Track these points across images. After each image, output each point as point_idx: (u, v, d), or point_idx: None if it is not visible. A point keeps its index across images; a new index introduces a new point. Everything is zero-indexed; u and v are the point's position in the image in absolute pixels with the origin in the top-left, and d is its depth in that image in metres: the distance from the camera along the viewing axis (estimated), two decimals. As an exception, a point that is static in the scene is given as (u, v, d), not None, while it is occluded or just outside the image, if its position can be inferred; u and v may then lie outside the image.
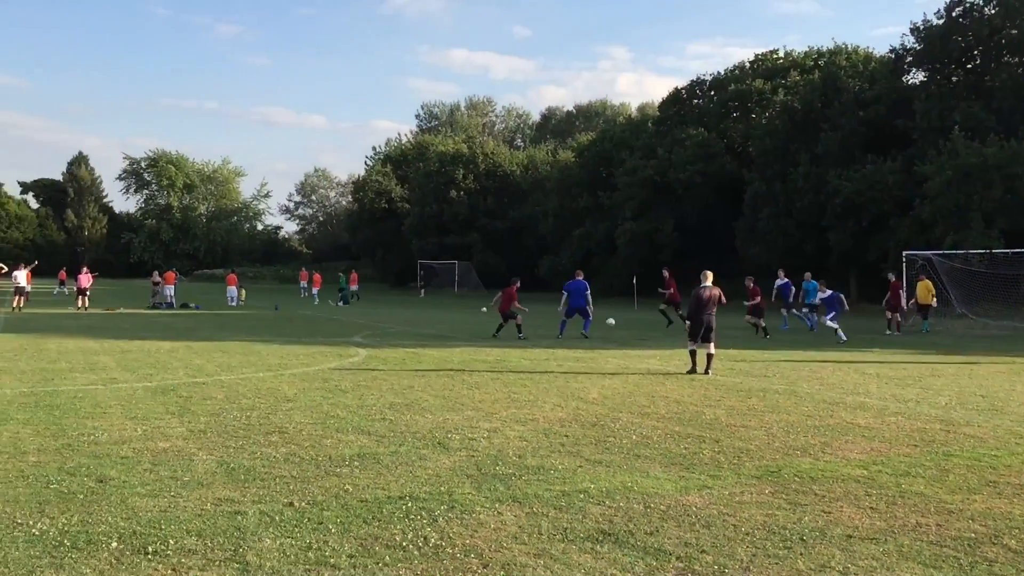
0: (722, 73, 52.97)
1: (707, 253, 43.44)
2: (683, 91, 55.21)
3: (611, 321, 22.29)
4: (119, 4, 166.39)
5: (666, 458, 7.68)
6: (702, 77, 54.39)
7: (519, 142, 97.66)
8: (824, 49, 49.69)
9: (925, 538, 5.48)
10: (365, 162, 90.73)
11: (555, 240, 55.19)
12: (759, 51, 53.68)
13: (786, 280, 27.08)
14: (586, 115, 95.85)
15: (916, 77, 41.79)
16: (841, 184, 37.50)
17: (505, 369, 14.56)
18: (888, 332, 24.72)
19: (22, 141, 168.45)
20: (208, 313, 32.80)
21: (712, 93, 53.41)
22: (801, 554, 5.15)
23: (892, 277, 26.08)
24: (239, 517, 5.65)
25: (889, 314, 25.46)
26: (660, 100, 58.81)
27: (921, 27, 39.29)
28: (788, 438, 8.70)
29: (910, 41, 40.44)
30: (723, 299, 14.77)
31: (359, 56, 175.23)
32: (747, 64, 52.74)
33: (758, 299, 23.92)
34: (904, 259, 30.11)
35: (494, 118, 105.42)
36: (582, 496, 6.33)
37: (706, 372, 14.00)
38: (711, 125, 50.65)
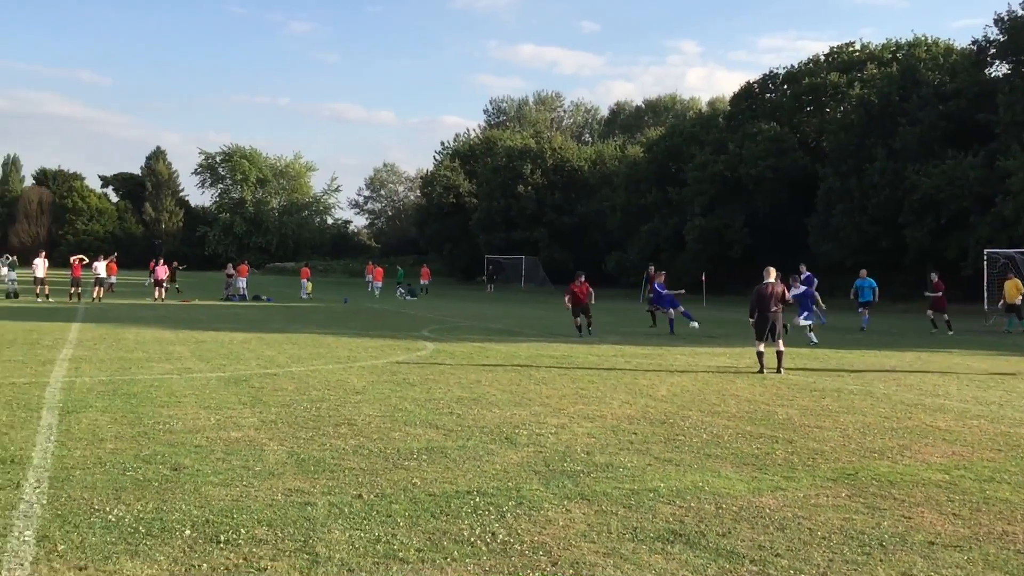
0: (796, 66, 51.91)
1: (778, 250, 42.69)
2: (755, 85, 54.27)
3: (695, 325, 21.39)
4: (198, 3, 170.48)
5: (738, 458, 7.53)
6: (775, 71, 53.39)
7: (587, 137, 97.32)
8: (903, 41, 48.36)
9: (1012, 547, 5.25)
10: (433, 157, 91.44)
11: (622, 236, 54.79)
12: (834, 44, 52.50)
13: (808, 274, 26.63)
14: (655, 110, 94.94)
15: (999, 69, 40.48)
16: (919, 180, 36.49)
17: (572, 365, 14.47)
18: (934, 331, 24.00)
19: (104, 136, 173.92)
20: (279, 305, 33.35)
21: (785, 87, 52.38)
22: (881, 560, 4.98)
23: (935, 277, 25.33)
24: (309, 508, 5.69)
25: (932, 314, 24.81)
26: (731, 94, 57.90)
27: (1006, 18, 37.99)
28: (864, 440, 8.45)
29: (993, 32, 39.17)
30: (788, 296, 14.40)
31: (428, 52, 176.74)
32: (822, 57, 51.60)
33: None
34: (985, 257, 29.16)
35: (562, 113, 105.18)
36: (652, 495, 6.22)
37: (778, 371, 13.69)
38: (784, 119, 49.69)
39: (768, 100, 53.25)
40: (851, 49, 50.88)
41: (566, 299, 21.13)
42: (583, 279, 20.96)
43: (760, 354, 13.99)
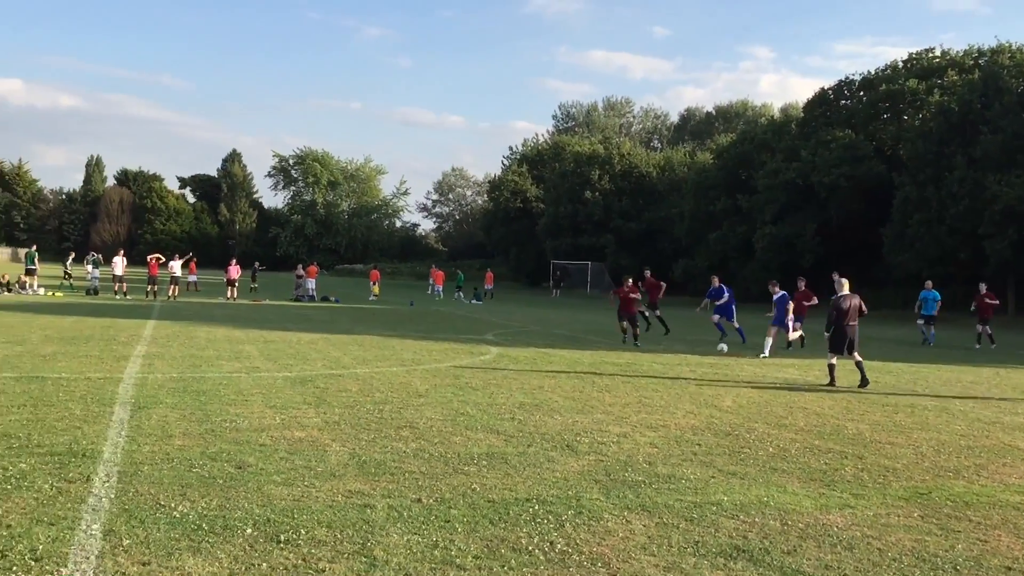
0: (872, 73, 50.77)
1: (851, 259, 41.82)
2: (830, 91, 53.24)
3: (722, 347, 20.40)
4: (275, 8, 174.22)
5: (805, 473, 7.34)
6: (850, 77, 52.31)
7: (656, 143, 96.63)
8: (985, 48, 46.92)
9: (1096, 577, 5.01)
10: (502, 162, 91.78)
11: (691, 243, 54.24)
12: (913, 50, 51.19)
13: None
14: (726, 116, 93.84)
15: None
16: (1001, 190, 35.35)
17: (636, 373, 14.33)
18: (977, 346, 23.12)
19: (183, 139, 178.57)
20: (346, 307, 33.76)
21: (861, 93, 51.28)
22: (954, 585, 4.78)
23: (983, 288, 24.48)
24: (368, 510, 5.70)
25: (980, 328, 23.95)
26: (804, 101, 56.92)
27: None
28: (939, 458, 8.17)
29: (1081, 38, 37.73)
30: (864, 308, 14.02)
31: (498, 57, 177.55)
32: (900, 63, 50.37)
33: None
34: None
35: (631, 119, 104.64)
36: (715, 508, 6.09)
37: (862, 385, 13.25)
38: (859, 127, 48.63)
39: (843, 107, 52.18)
40: (931, 55, 49.58)
41: (610, 298, 20.97)
42: (631, 282, 20.09)
43: (832, 367, 13.66)
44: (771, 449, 8.28)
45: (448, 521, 5.54)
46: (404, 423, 8.86)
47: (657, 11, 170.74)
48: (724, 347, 19.05)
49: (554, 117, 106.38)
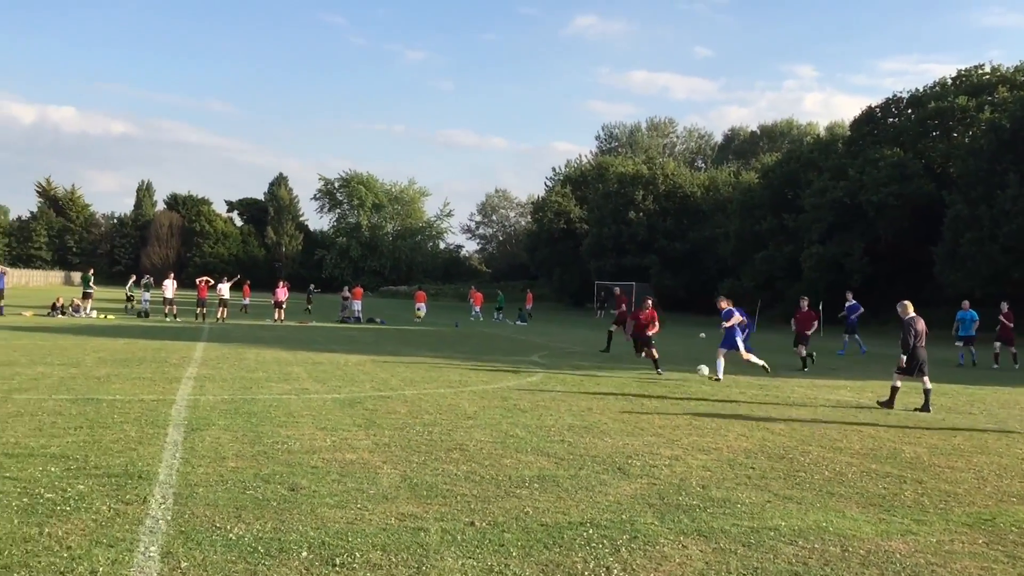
0: (921, 90, 50.09)
1: (900, 279, 41.16)
2: (877, 109, 52.59)
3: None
4: (321, 35, 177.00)
5: (863, 497, 7.18)
6: (898, 95, 51.65)
7: (700, 163, 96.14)
8: (1036, 63, 46.08)
9: None
10: (545, 183, 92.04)
11: (736, 263, 53.75)
12: (962, 67, 50.43)
13: (855, 302, 26.97)
14: (770, 135, 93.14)
15: None
16: (1056, 207, 34.57)
17: (685, 395, 14.18)
18: (995, 366, 22.54)
19: (230, 163, 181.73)
20: (392, 328, 33.91)
21: (909, 111, 50.57)
22: (1025, 616, 4.64)
23: (1005, 307, 23.83)
24: (422, 534, 5.68)
25: (998, 346, 23.44)
26: (850, 119, 56.31)
27: None
28: (1001, 483, 7.96)
29: None
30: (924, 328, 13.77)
31: (540, 79, 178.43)
32: (948, 80, 49.63)
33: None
34: None
35: (675, 139, 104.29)
36: (772, 534, 5.98)
37: (922, 409, 12.96)
38: (908, 145, 47.93)
39: (891, 125, 51.50)
40: (980, 72, 48.79)
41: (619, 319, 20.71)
42: (651, 304, 18.80)
43: (896, 389, 13.41)
44: (827, 473, 8.13)
45: (502, 545, 5.50)
46: (454, 445, 8.85)
47: (699, 31, 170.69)
48: (704, 369, 17.42)
49: (597, 138, 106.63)
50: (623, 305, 25.20)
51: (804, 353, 20.01)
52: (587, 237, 66.49)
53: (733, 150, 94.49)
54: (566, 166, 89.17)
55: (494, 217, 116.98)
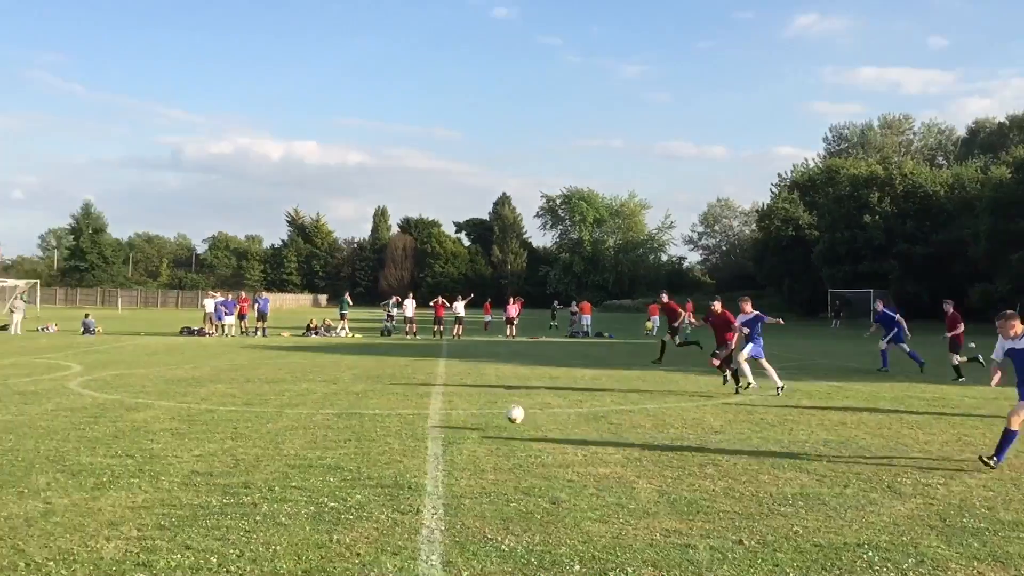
0: None
1: None
2: None
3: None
4: (538, 56, 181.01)
5: None
6: None
7: (941, 160, 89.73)
8: None
9: None
10: (769, 189, 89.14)
11: (988, 266, 49.67)
12: None
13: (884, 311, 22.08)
14: (1021, 126, 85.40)
15: None
16: None
17: (947, 409, 13.21)
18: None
19: (456, 185, 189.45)
20: (621, 342, 33.92)
21: None
22: None
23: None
24: (690, 551, 5.60)
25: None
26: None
27: None
28: None
29: None
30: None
31: (759, 83, 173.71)
32: None
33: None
34: None
35: (911, 136, 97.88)
36: (1080, 563, 5.42)
37: None
38: None
39: None
40: None
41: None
42: (719, 306, 16.20)
43: None
44: None
45: (776, 565, 5.32)
46: (707, 460, 8.69)
47: (933, 20, 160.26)
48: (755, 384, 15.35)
49: (824, 139, 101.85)
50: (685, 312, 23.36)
51: (956, 361, 18.25)
52: (818, 244, 63.71)
53: (979, 144, 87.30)
54: (792, 171, 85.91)
55: (717, 227, 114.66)
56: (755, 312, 15.49)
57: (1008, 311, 9.33)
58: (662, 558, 5.45)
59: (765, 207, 78.57)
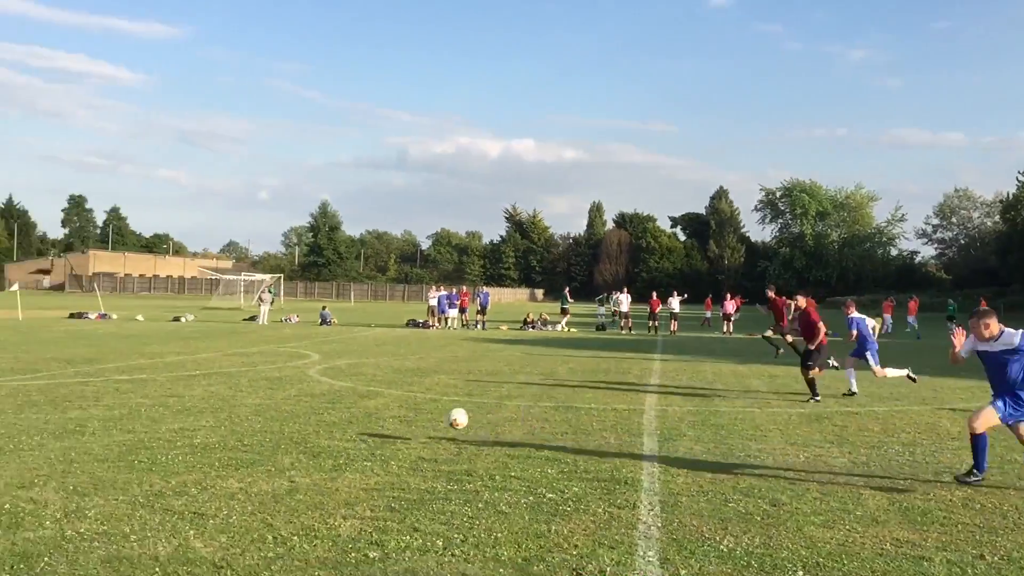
0: None
1: None
2: None
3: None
4: (757, 45, 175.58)
5: None
6: None
7: None
8: None
9: None
10: (1016, 178, 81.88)
11: None
12: None
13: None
14: None
15: None
16: None
17: None
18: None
19: (670, 180, 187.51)
20: (842, 342, 32.25)
21: None
22: None
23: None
24: (924, 563, 5.29)
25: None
26: None
27: None
28: None
29: None
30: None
31: (1005, 63, 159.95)
32: None
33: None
34: None
35: None
36: None
37: None
38: None
39: None
40: None
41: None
42: (773, 293, 18.04)
43: None
44: None
45: (1024, 584, 4.94)
46: (942, 468, 8.16)
47: None
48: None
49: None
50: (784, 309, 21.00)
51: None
52: (1074, 236, 58.02)
53: None
54: (1044, 156, 78.64)
55: (954, 219, 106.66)
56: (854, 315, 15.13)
57: (984, 308, 8.03)
58: (893, 569, 5.19)
59: (1011, 197, 72.43)
